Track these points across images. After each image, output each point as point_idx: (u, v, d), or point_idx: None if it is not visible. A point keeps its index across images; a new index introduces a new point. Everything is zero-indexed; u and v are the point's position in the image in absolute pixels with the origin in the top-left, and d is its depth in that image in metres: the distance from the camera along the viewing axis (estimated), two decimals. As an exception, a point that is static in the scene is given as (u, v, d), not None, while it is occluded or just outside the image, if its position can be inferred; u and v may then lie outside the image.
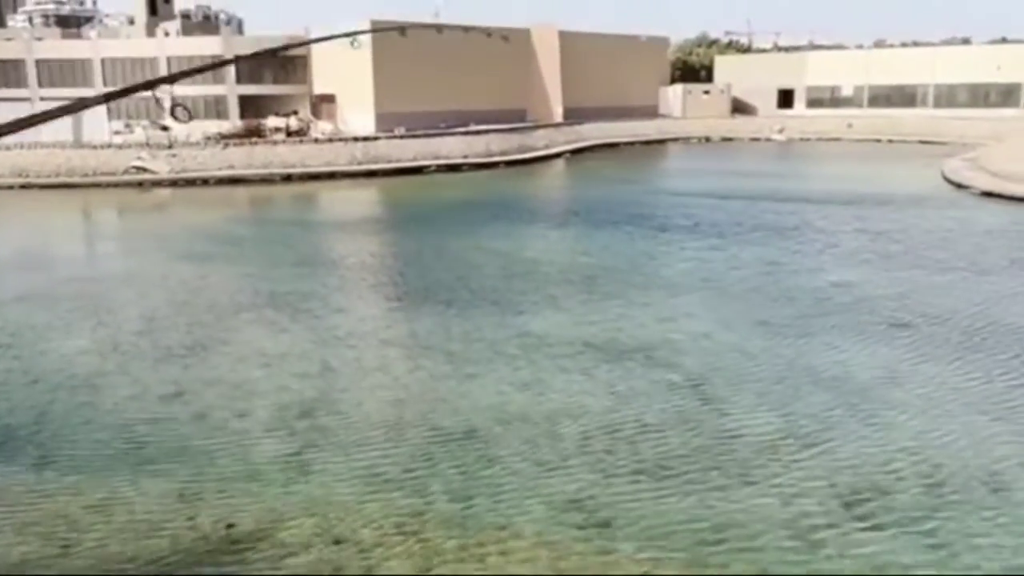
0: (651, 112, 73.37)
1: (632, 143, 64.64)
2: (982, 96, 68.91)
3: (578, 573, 8.28)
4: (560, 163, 54.20)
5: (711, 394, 12.82)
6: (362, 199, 40.90)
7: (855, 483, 9.84)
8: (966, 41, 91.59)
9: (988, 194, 33.01)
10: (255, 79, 57.68)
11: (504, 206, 35.08)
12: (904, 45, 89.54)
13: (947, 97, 70.21)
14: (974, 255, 22.65)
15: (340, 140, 49.30)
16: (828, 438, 11.11)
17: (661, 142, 66.97)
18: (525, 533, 8.96)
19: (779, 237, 25.80)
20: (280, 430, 11.75)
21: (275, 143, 48.19)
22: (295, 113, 55.64)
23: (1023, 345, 14.79)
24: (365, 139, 49.53)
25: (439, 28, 58.92)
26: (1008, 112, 63.60)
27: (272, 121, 52.68)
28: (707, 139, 69.23)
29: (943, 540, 8.63)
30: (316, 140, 49.29)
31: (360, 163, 47.00)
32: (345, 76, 55.74)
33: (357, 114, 54.53)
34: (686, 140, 68.61)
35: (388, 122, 52.80)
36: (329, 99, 57.26)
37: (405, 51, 55.59)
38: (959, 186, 35.80)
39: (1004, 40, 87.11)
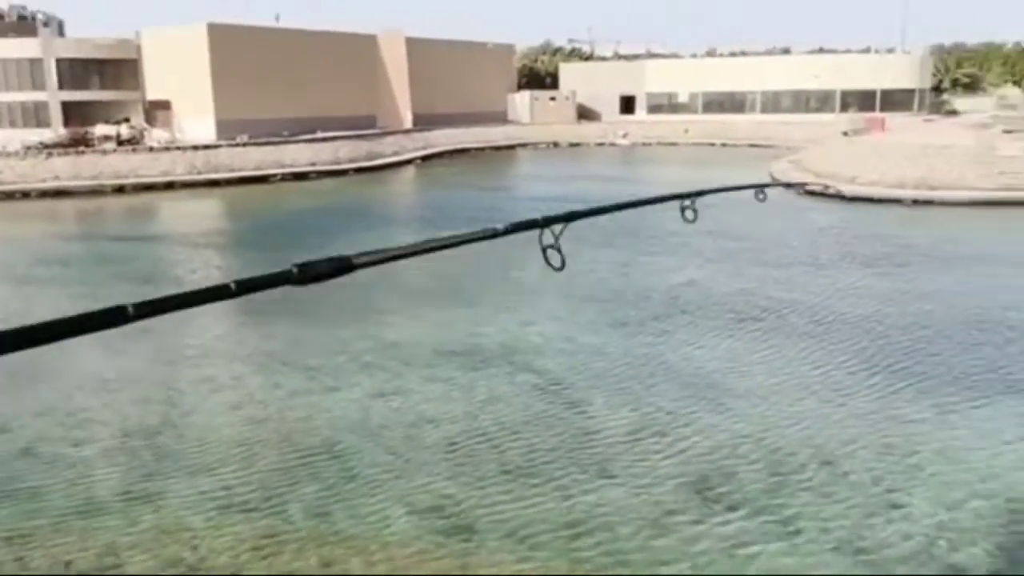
0: (500, 118, 74.34)
1: (482, 149, 65.23)
2: (803, 102, 74.33)
3: (439, 575, 8.21)
4: (411, 170, 53.91)
5: (570, 394, 13.06)
6: (204, 210, 39.05)
7: (705, 470, 10.30)
8: (786, 51, 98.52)
9: (811, 193, 35.56)
10: (80, 84, 53.91)
11: (356, 215, 34.48)
12: (733, 54, 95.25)
13: (772, 103, 75.26)
14: (809, 251, 24.33)
15: (178, 148, 46.85)
16: (681, 429, 11.57)
17: (510, 147, 67.96)
18: (388, 543, 8.79)
19: (631, 239, 26.65)
20: (123, 459, 10.97)
21: (104, 152, 45.19)
22: (126, 120, 52.39)
23: (856, 333, 16.00)
24: (205, 147, 47.30)
25: (281, 32, 57.44)
26: (826, 117, 68.84)
27: (101, 129, 49.34)
28: (555, 144, 70.88)
29: (786, 517, 9.18)
30: (151, 149, 46.62)
31: (200, 172, 44.87)
32: (182, 82, 53.11)
33: (196, 121, 52.05)
34: (534, 145, 69.95)
35: (230, 129, 50.72)
36: (165, 106, 54.35)
37: (247, 56, 53.66)
38: (786, 186, 38.36)
39: (821, 50, 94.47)
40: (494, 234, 1.90)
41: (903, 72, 73.90)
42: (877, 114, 63.66)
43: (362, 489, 10.01)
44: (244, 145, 48.42)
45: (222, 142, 48.83)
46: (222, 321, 18.19)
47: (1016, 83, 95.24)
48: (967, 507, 9.37)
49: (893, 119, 59.04)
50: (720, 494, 9.72)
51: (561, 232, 2.12)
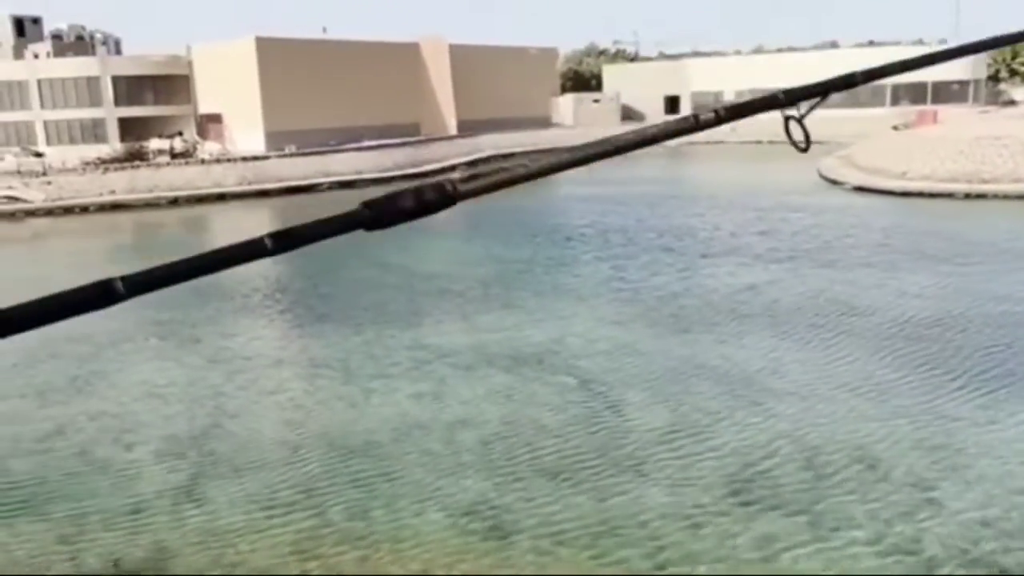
0: (544, 122, 74.45)
1: (527, 152, 65.38)
2: (854, 96, 72.89)
3: (474, 574, 8.32)
4: (457, 176, 54.26)
5: (606, 393, 13.05)
6: (255, 220, 39.90)
7: (743, 469, 10.22)
8: (834, 45, 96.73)
9: (860, 189, 34.93)
10: (135, 100, 55.61)
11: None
12: (780, 51, 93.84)
13: (821, 99, 73.94)
14: (864, 248, 23.47)
15: (228, 160, 48.00)
16: (718, 428, 11.50)
17: (555, 151, 67.97)
18: (423, 542, 8.93)
19: (690, 241, 26.21)
20: (169, 460, 11.34)
21: (159, 166, 46.53)
22: (180, 134, 53.90)
23: (914, 332, 15.49)
24: (255, 158, 48.39)
25: (326, 44, 58.44)
26: (876, 111, 67.48)
27: (155, 143, 50.84)
28: (599, 146, 70.66)
29: (824, 516, 9.07)
30: (203, 161, 47.85)
31: (250, 183, 45.89)
32: (232, 95, 54.43)
33: (246, 133, 53.29)
34: (579, 148, 69.83)
35: (278, 140, 51.79)
36: (216, 119, 55.76)
37: (294, 68, 54.75)
38: (833, 182, 37.75)
39: (871, 43, 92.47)
40: (695, 125, 1.48)
41: (956, 63, 71.88)
42: (928, 107, 62.19)
43: (400, 490, 10.18)
44: (292, 156, 49.41)
45: (271, 153, 49.91)
46: (266, 329, 18.63)
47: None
48: (1010, 507, 9.15)
49: (947, 111, 57.62)
50: (757, 494, 9.65)
51: (812, 108, 1.87)
